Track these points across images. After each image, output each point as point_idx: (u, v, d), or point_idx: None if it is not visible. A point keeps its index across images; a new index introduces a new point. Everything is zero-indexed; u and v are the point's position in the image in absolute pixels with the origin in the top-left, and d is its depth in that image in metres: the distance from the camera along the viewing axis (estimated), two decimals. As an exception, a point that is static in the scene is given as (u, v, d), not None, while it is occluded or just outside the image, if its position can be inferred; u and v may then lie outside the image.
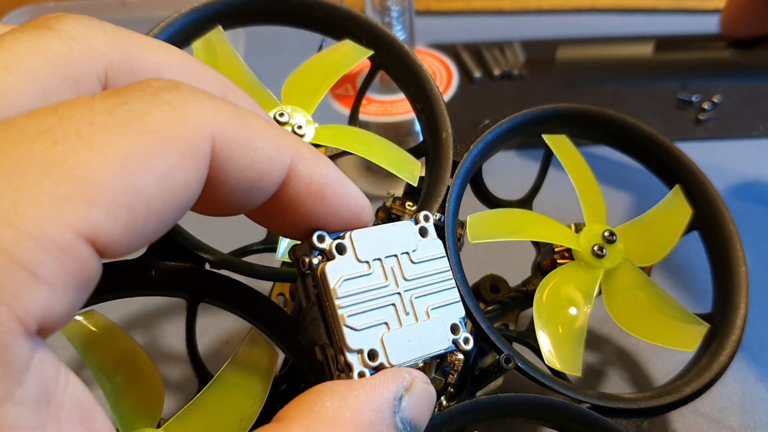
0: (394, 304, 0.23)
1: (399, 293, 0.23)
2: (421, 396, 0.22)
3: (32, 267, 0.14)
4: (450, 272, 0.25)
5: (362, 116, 0.51)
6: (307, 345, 0.23)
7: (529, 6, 0.72)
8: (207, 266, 0.29)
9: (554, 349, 0.30)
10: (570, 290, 0.31)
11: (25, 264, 0.14)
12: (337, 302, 0.21)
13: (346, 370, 0.21)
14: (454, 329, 0.24)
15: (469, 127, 0.55)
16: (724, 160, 0.54)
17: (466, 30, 0.69)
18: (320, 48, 0.44)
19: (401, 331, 0.22)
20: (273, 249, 0.36)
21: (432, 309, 0.24)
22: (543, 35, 0.68)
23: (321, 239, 0.22)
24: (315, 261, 0.22)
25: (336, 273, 0.22)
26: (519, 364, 0.28)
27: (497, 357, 0.28)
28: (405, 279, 0.23)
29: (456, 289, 0.25)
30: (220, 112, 0.18)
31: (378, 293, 0.22)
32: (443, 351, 0.23)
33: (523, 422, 0.29)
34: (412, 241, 0.24)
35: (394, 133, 0.51)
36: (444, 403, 0.30)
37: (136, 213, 0.16)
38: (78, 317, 0.25)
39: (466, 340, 0.24)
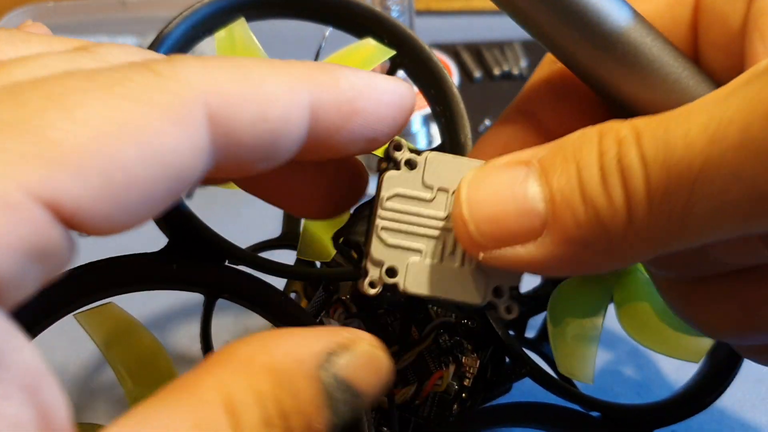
0: (440, 239, 0.21)
1: (449, 229, 0.21)
2: (364, 357, 0.19)
3: None
4: None
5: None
6: (348, 240, 0.23)
7: (529, 7, 0.72)
8: (226, 262, 0.28)
9: (567, 357, 0.30)
10: (583, 299, 0.31)
11: None
12: (380, 212, 0.21)
13: (362, 275, 0.21)
14: (497, 292, 0.21)
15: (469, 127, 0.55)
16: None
17: (466, 30, 0.69)
18: (320, 48, 0.44)
19: (435, 265, 0.21)
20: (288, 245, 0.35)
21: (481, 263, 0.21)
22: (543, 35, 0.68)
23: (398, 147, 0.22)
24: (383, 166, 0.22)
25: (393, 185, 0.21)
26: (534, 371, 0.29)
27: (513, 363, 0.29)
28: None
29: None
30: (211, 72, 0.17)
31: (428, 222, 0.21)
32: (471, 303, 0.21)
33: (535, 429, 0.30)
34: None
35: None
36: (456, 407, 0.30)
37: (112, 180, 0.15)
38: (100, 312, 0.25)
39: (508, 309, 0.21)
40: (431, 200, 0.21)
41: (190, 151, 0.16)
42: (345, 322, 0.30)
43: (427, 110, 0.53)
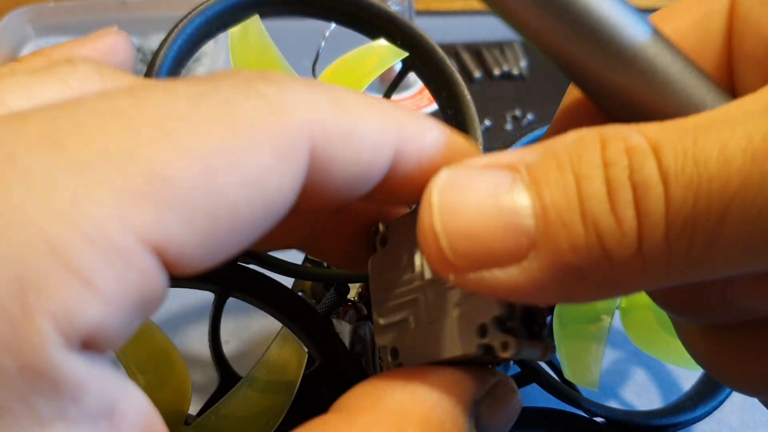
0: (420, 297, 0.20)
1: (425, 285, 0.19)
2: (505, 402, 0.18)
3: (87, 274, 0.12)
4: None
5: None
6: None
7: (529, 7, 0.73)
8: (238, 260, 0.28)
9: (573, 363, 0.30)
10: (591, 305, 0.32)
11: (80, 269, 0.12)
12: (372, 300, 0.21)
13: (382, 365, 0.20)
14: (483, 331, 0.18)
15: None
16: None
17: (466, 30, 0.69)
18: (320, 48, 0.43)
19: (423, 327, 0.19)
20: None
21: (457, 305, 0.19)
22: (544, 35, 0.69)
23: (375, 231, 0.21)
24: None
25: (375, 269, 0.21)
26: (540, 376, 0.29)
27: (520, 369, 0.29)
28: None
29: None
30: (317, 102, 0.16)
31: (410, 287, 0.20)
32: (464, 356, 0.19)
33: (539, 433, 0.30)
34: None
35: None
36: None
37: (218, 221, 0.14)
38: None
39: (504, 345, 0.17)
40: (406, 265, 0.20)
41: (292, 187, 0.15)
42: (356, 325, 0.30)
43: (428, 110, 0.54)
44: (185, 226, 0.13)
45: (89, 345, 0.13)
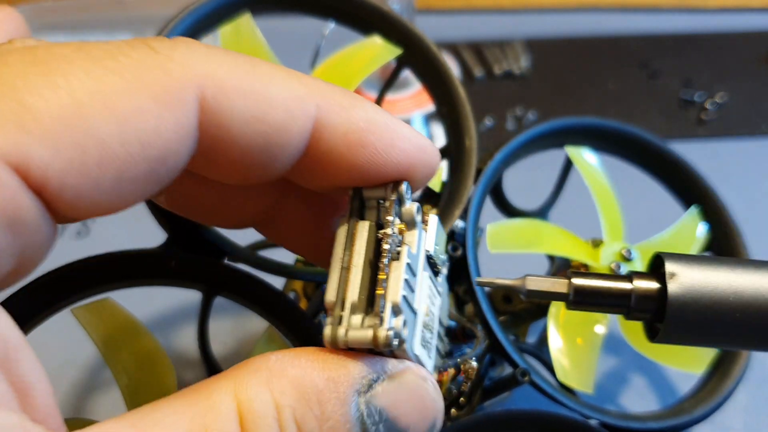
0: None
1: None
2: (410, 390, 0.17)
3: None
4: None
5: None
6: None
7: (530, 4, 0.72)
8: (225, 260, 0.28)
9: (567, 365, 0.30)
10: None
11: None
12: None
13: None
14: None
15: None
16: (727, 160, 0.55)
17: (467, 28, 0.69)
18: (319, 47, 0.43)
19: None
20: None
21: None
22: (545, 33, 0.68)
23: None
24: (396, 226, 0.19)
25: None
26: (534, 378, 0.28)
27: (513, 370, 0.28)
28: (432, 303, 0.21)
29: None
30: (215, 61, 0.16)
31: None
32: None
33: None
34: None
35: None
36: (453, 412, 0.30)
37: (87, 152, 0.14)
38: (97, 306, 0.25)
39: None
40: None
41: (174, 134, 0.15)
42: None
43: (428, 109, 0.53)
44: (50, 151, 0.14)
45: None
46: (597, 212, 0.33)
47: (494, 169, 0.32)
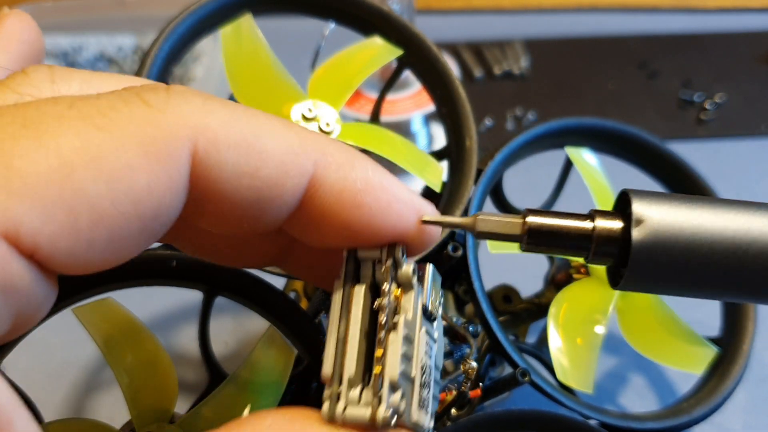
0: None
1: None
2: None
3: None
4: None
5: (362, 115, 0.50)
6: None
7: (530, 4, 0.72)
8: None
9: (567, 365, 0.30)
10: (586, 307, 0.31)
11: None
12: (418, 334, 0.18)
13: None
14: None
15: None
16: (726, 160, 0.55)
17: (466, 28, 0.69)
18: (320, 47, 0.43)
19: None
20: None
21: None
22: (544, 34, 0.68)
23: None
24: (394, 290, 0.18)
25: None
26: (534, 378, 0.28)
27: (513, 370, 0.28)
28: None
29: None
30: (209, 112, 0.16)
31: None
32: None
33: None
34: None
35: (394, 132, 0.51)
36: (454, 412, 0.30)
37: (78, 214, 0.14)
38: (98, 306, 0.25)
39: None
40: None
41: (166, 189, 0.15)
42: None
43: (428, 109, 0.53)
44: (39, 217, 0.14)
45: None
46: (597, 212, 0.34)
47: (494, 169, 0.32)
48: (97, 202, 0.14)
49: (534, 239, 0.19)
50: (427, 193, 0.34)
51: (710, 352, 0.32)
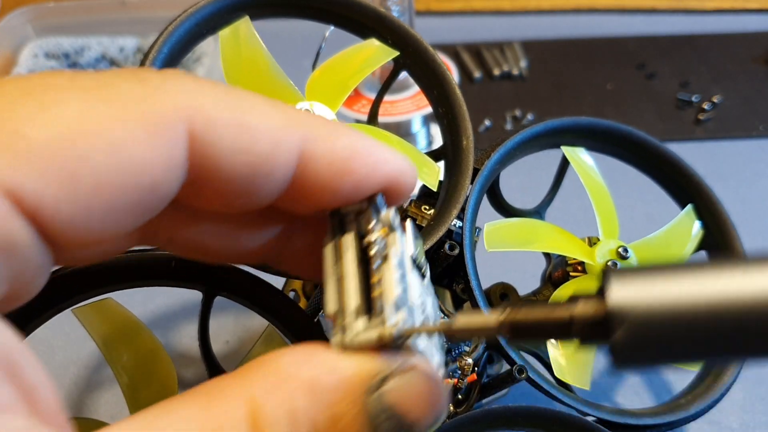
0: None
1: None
2: (419, 386, 0.18)
3: None
4: None
5: (362, 116, 0.51)
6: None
7: (529, 6, 0.72)
8: (225, 259, 0.28)
9: (564, 362, 0.30)
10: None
11: None
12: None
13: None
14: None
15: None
16: (723, 161, 0.55)
17: (466, 30, 0.69)
18: (320, 49, 0.44)
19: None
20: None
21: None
22: (543, 35, 0.68)
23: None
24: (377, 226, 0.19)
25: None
26: (531, 375, 0.29)
27: (510, 367, 0.29)
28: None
29: None
30: (203, 93, 0.17)
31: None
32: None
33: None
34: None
35: (393, 133, 0.51)
36: (452, 409, 0.30)
37: (80, 180, 0.14)
38: (98, 307, 0.25)
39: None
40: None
41: (166, 163, 0.16)
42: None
43: (428, 110, 0.54)
44: (42, 179, 0.14)
45: None
46: (593, 211, 0.34)
47: (491, 168, 0.33)
48: (98, 171, 0.15)
49: (515, 335, 0.18)
50: (425, 193, 0.34)
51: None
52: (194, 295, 0.28)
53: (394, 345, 0.17)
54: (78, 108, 0.15)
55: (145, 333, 0.25)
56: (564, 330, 0.18)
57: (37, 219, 0.14)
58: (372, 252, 0.18)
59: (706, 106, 0.60)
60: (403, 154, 0.20)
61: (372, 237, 0.19)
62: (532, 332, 0.18)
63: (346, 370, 0.16)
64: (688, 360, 0.18)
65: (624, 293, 0.17)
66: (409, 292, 0.19)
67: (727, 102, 0.61)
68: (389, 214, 0.19)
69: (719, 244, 0.35)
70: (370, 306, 0.18)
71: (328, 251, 0.19)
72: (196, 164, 0.17)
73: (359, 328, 0.17)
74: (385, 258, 0.18)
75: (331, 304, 0.18)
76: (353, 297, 0.18)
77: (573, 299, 0.18)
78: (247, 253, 0.22)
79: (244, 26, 0.32)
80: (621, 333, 0.17)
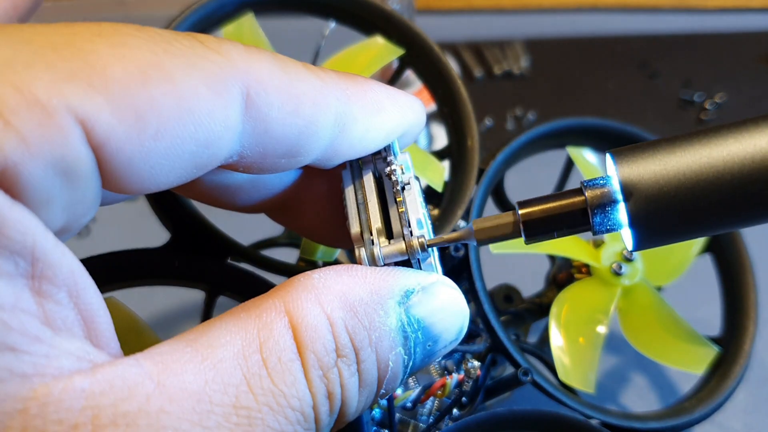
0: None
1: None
2: (442, 300, 0.19)
3: (6, 113, 0.13)
4: None
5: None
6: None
7: (530, 4, 0.72)
8: (228, 259, 0.28)
9: (569, 365, 0.30)
10: (587, 306, 0.31)
11: (2, 111, 0.13)
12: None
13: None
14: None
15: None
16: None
17: (466, 28, 0.69)
18: (320, 47, 0.43)
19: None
20: (291, 244, 0.35)
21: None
22: (544, 33, 0.68)
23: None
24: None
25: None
26: (536, 378, 0.28)
27: (515, 370, 0.28)
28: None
29: None
30: (258, 60, 0.17)
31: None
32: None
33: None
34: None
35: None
36: (456, 412, 0.30)
37: (146, 123, 0.15)
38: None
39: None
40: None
41: (223, 121, 0.16)
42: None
43: (429, 109, 0.53)
44: (113, 113, 0.14)
45: (7, 183, 0.13)
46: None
47: (496, 169, 0.32)
48: (164, 116, 0.15)
49: (531, 230, 0.20)
50: (429, 193, 0.34)
51: (711, 352, 0.32)
52: (195, 296, 0.28)
53: (420, 255, 0.19)
54: (148, 54, 0.15)
55: (148, 332, 0.25)
56: (581, 217, 0.19)
57: (100, 152, 0.15)
58: (394, 178, 0.20)
59: (708, 105, 0.60)
60: (413, 96, 0.21)
61: (394, 167, 0.20)
62: (550, 225, 0.20)
63: (375, 283, 0.18)
64: (697, 219, 0.19)
65: (630, 168, 0.19)
66: (424, 219, 0.20)
67: (730, 101, 0.60)
68: (405, 155, 0.21)
69: (724, 245, 0.34)
70: (389, 232, 0.20)
71: (349, 190, 0.21)
72: (250, 127, 0.17)
73: (384, 243, 0.19)
74: (406, 185, 0.20)
75: (355, 226, 0.20)
76: (376, 217, 0.20)
77: (576, 190, 0.20)
78: (268, 201, 0.23)
79: (248, 22, 0.31)
80: (635, 202, 0.18)
